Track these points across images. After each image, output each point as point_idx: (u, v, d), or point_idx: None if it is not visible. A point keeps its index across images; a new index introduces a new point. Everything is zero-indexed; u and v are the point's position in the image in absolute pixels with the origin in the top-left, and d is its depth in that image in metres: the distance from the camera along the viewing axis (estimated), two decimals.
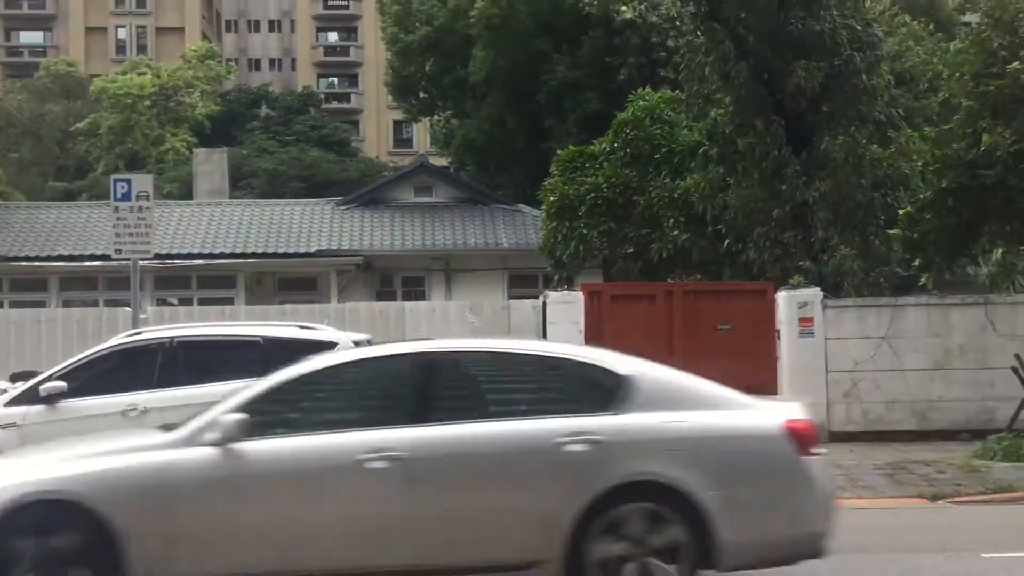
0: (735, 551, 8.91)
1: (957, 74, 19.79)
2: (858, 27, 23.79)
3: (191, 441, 9.14)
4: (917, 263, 21.31)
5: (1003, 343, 20.76)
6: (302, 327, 15.67)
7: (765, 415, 9.73)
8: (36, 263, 36.03)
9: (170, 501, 8.87)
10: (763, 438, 9.45)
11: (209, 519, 8.94)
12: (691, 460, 9.01)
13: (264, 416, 9.39)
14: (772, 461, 9.35)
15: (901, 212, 20.27)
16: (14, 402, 14.38)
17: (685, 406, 9.46)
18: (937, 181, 19.07)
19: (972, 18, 20.97)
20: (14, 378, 16.76)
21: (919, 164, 21.43)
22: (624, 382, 9.35)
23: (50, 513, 8.74)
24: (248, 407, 9.34)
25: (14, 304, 33.09)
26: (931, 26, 35.58)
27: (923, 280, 21.96)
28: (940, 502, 15.63)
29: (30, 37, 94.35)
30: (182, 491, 8.91)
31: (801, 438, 9.42)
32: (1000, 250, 21.54)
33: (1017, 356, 19.18)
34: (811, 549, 9.41)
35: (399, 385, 9.86)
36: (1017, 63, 18.35)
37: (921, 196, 19.73)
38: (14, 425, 14.12)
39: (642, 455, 9.01)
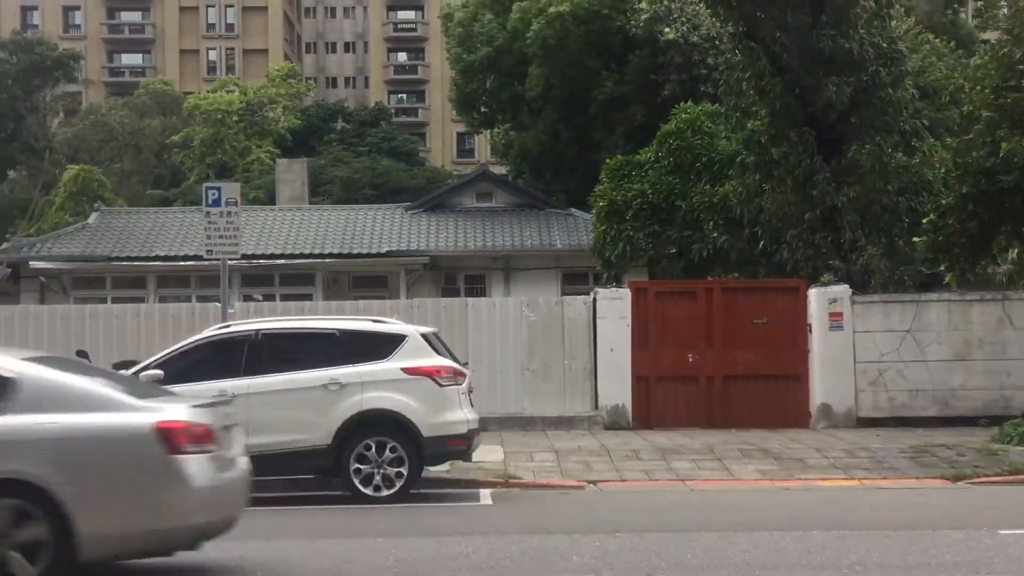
0: (96, 543, 8.94)
1: (977, 87, 19.60)
2: (884, 44, 23.59)
3: None
4: (943, 266, 21.11)
5: (1019, 336, 20.69)
6: (375, 321, 15.67)
7: (140, 416, 9.49)
8: (136, 263, 36.34)
9: None
10: (131, 438, 9.32)
11: None
12: (56, 459, 9.01)
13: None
14: (138, 459, 9.26)
15: (925, 220, 20.07)
16: None
17: (63, 408, 9.34)
18: (958, 187, 18.91)
19: (991, 35, 20.73)
20: (116, 366, 16.86)
21: (941, 171, 21.22)
22: (8, 384, 9.32)
23: None
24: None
25: (116, 300, 33.36)
26: (952, 43, 35.09)
27: (947, 279, 21.76)
28: (960, 483, 15.51)
29: (131, 59, 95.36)
30: None
31: (172, 438, 9.25)
32: (1016, 250, 21.30)
33: None
34: (184, 541, 9.56)
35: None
36: None
37: (943, 201, 19.55)
38: None
39: (12, 455, 8.96)
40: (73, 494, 8.85)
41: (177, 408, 9.92)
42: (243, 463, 10.54)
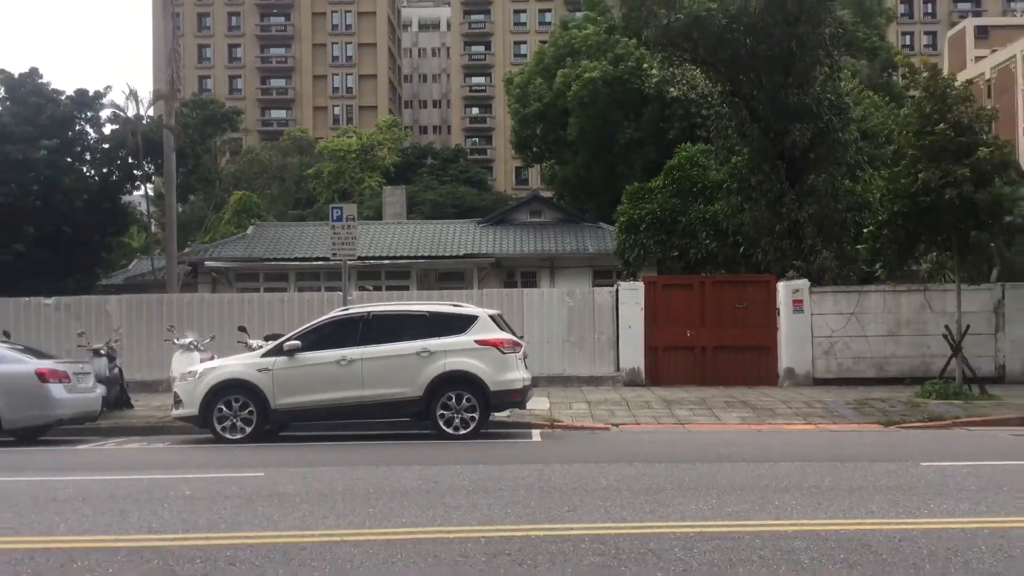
0: (11, 423, 14.71)
1: (904, 131, 19.33)
2: (835, 99, 23.32)
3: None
4: (879, 265, 20.91)
5: (936, 318, 20.43)
6: (455, 305, 15.73)
7: (30, 366, 14.90)
8: (281, 263, 36.76)
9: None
10: (26, 375, 14.74)
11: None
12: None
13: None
14: (28, 385, 14.64)
15: (865, 231, 19.84)
16: (268, 354, 14.68)
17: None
18: (890, 206, 18.67)
19: (915, 92, 20.37)
20: (267, 338, 17.11)
21: (878, 195, 20.97)
22: None
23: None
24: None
25: (267, 290, 33.79)
26: (887, 98, 34.59)
27: (882, 275, 21.54)
28: (891, 427, 15.34)
29: (277, 114, 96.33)
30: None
31: (43, 375, 14.68)
32: (933, 253, 21.03)
33: (947, 327, 18.70)
34: (51, 425, 15.03)
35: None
36: (943, 124, 17.93)
37: (880, 217, 19.29)
38: (267, 369, 14.42)
39: None
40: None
41: (47, 361, 15.24)
42: (98, 390, 16.15)
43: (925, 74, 19.24)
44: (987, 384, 18.43)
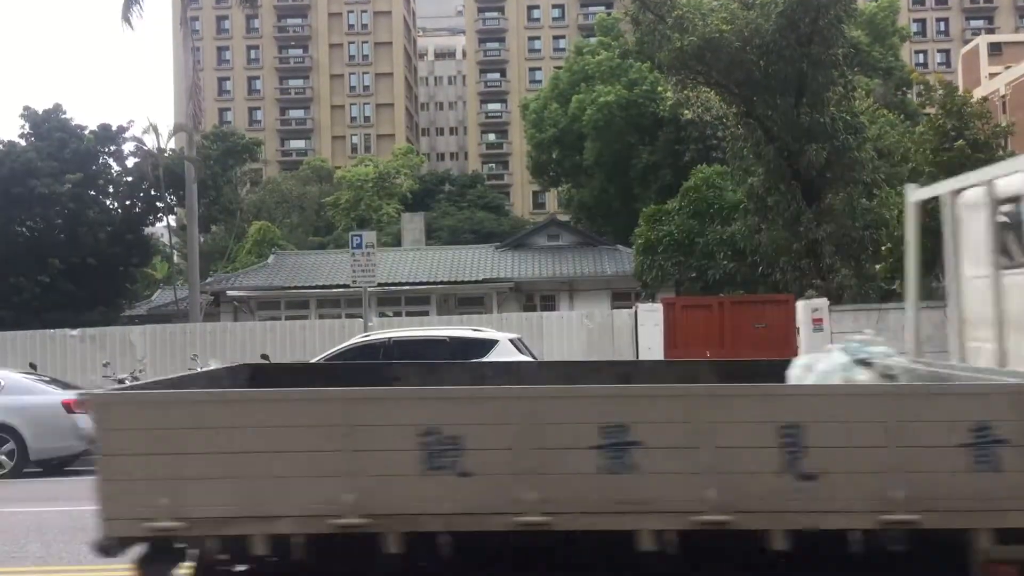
0: (36, 453, 14.70)
1: (920, 149, 19.31)
2: (850, 118, 23.30)
3: None
4: (897, 283, 20.79)
5: None
6: (474, 330, 15.71)
7: (56, 396, 14.94)
8: (302, 290, 36.88)
9: None
10: (53, 405, 14.78)
11: None
12: (20, 414, 14.83)
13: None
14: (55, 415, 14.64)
15: (884, 249, 19.74)
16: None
17: (25, 393, 15.24)
18: None
19: (930, 110, 20.32)
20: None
21: (896, 212, 20.86)
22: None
23: None
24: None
25: (288, 317, 33.88)
26: (902, 116, 34.55)
27: (900, 290, 21.38)
28: None
29: (296, 144, 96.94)
30: None
31: (68, 406, 14.50)
32: None
33: None
34: (77, 454, 14.78)
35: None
36: (961, 140, 17.85)
37: (897, 234, 19.20)
38: None
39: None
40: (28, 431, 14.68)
41: (73, 392, 15.02)
42: None
43: (940, 92, 19.25)
44: None
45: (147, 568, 4.61)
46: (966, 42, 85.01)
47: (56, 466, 15.34)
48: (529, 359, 14.79)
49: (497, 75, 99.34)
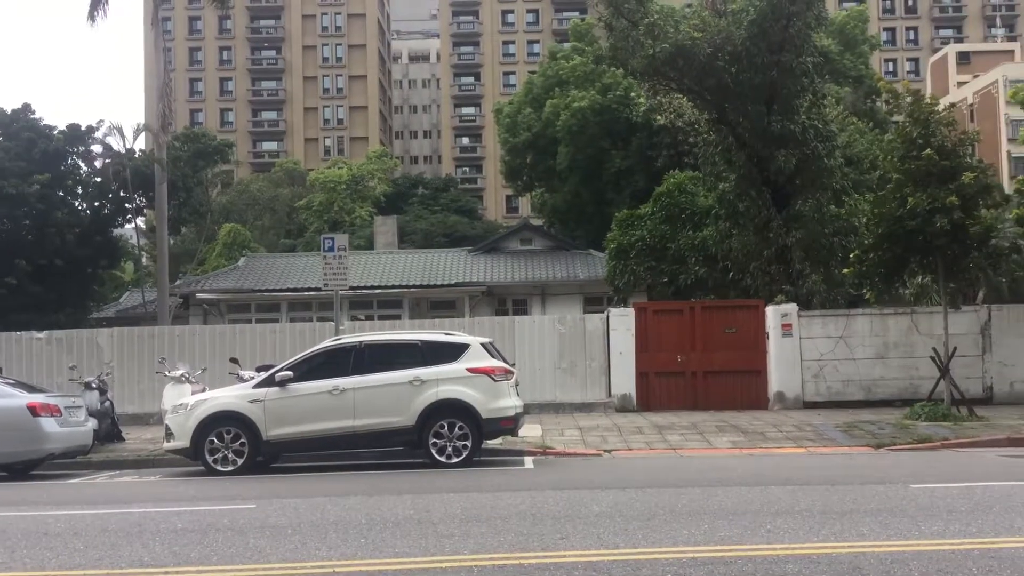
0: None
1: (889, 156, 19.48)
2: (820, 126, 23.51)
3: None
4: (866, 288, 20.98)
5: (923, 340, 20.46)
6: (446, 334, 15.69)
7: (20, 400, 14.70)
8: (272, 293, 36.71)
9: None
10: (17, 408, 14.60)
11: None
12: None
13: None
14: (17, 418, 14.52)
15: (852, 255, 19.91)
16: (259, 385, 14.62)
17: None
18: (876, 230, 18.75)
19: (898, 118, 20.53)
20: (259, 369, 17.03)
21: (864, 219, 21.07)
22: None
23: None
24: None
25: (259, 320, 33.72)
26: (870, 124, 34.91)
27: (869, 298, 21.62)
28: (881, 449, 15.34)
29: (269, 146, 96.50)
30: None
31: (33, 409, 14.58)
32: (919, 276, 21.14)
33: (934, 349, 18.76)
34: (42, 459, 15.04)
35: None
36: (929, 149, 18.05)
37: (866, 241, 19.39)
38: (259, 400, 14.36)
39: None
40: None
41: (39, 396, 15.10)
42: (90, 424, 15.83)
43: (908, 99, 19.40)
44: (975, 405, 18.47)
45: None
46: (935, 51, 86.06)
47: (21, 470, 15.17)
48: (500, 363, 14.82)
49: (471, 79, 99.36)
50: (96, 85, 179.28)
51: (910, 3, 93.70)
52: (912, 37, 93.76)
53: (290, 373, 14.41)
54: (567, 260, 39.06)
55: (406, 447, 14.67)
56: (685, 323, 21.41)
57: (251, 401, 14.35)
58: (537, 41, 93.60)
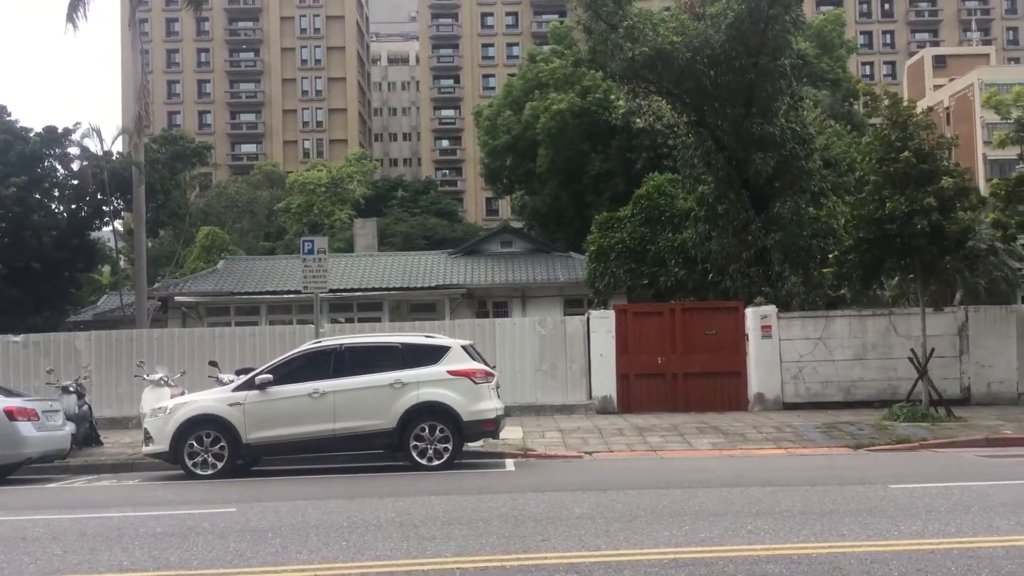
0: None
1: (867, 159, 19.59)
2: (798, 128, 23.64)
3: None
4: (844, 290, 21.09)
5: (902, 341, 20.59)
6: (426, 336, 15.66)
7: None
8: (252, 296, 36.51)
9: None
10: None
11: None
12: None
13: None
14: None
15: (831, 257, 20.03)
16: (239, 389, 14.54)
17: None
18: (855, 232, 18.87)
19: (876, 120, 20.66)
20: (238, 372, 16.94)
21: (842, 221, 21.19)
22: None
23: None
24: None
25: (238, 323, 33.52)
26: (848, 127, 35.15)
27: (848, 299, 21.74)
28: (860, 450, 15.42)
29: (247, 148, 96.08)
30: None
31: (11, 413, 14.30)
32: (897, 278, 21.28)
33: (912, 350, 18.87)
34: (20, 463, 14.74)
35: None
36: (907, 152, 18.18)
37: (844, 243, 19.50)
38: (239, 404, 14.29)
39: None
40: None
41: (16, 400, 14.98)
42: (67, 428, 15.71)
43: (886, 102, 19.54)
44: (953, 406, 18.61)
45: None
46: (911, 55, 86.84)
47: None
48: (481, 366, 14.82)
49: (451, 81, 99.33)
50: (74, 87, 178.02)
51: (886, 7, 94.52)
52: (889, 41, 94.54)
53: (270, 376, 14.35)
54: (547, 263, 39.08)
55: (387, 450, 14.61)
56: (665, 325, 21.46)
57: (231, 404, 14.28)
58: (517, 44, 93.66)
